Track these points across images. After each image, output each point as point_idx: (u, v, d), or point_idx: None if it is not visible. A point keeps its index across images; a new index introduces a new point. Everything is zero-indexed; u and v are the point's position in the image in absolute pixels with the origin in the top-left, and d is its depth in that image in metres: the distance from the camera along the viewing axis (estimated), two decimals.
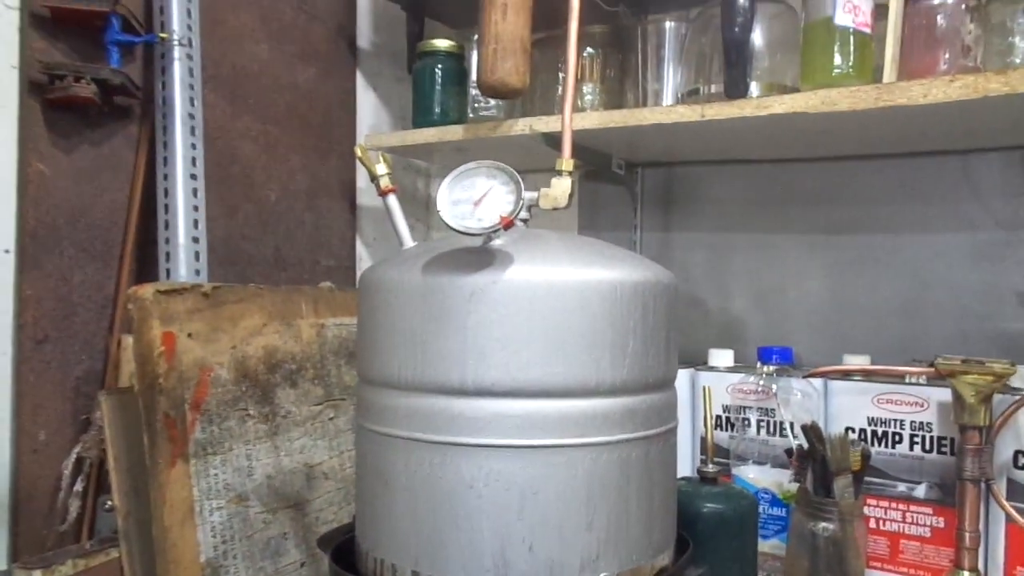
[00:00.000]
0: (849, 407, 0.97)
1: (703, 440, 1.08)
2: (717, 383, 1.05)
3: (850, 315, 1.15)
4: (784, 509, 0.97)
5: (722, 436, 1.06)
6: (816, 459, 0.87)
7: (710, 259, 1.26)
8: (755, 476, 1.01)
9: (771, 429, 1.02)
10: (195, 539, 0.85)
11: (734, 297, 1.24)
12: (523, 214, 0.69)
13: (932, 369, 0.86)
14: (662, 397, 0.66)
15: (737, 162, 1.23)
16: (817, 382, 1.00)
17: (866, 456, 0.87)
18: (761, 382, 1.03)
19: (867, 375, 0.97)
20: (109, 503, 0.92)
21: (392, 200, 0.75)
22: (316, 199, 1.28)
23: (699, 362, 1.12)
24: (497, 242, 0.62)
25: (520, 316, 0.59)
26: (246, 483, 0.93)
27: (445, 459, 0.60)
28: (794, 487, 0.93)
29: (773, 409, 1.02)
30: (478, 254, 0.61)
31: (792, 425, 0.96)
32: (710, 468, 0.84)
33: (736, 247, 1.24)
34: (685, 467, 1.05)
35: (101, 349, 0.96)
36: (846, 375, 1.00)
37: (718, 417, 1.06)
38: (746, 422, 1.04)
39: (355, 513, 0.71)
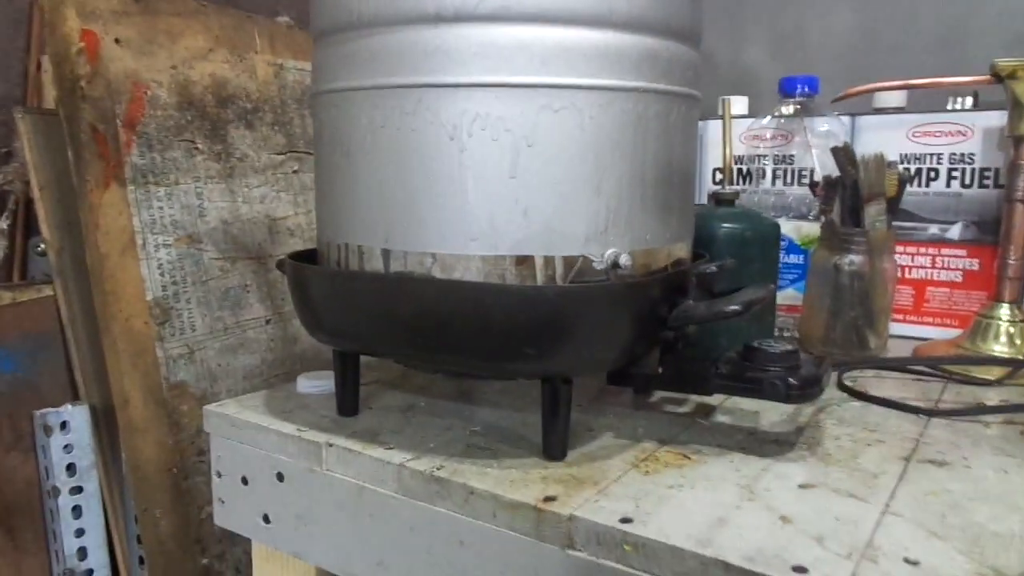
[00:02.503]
0: (880, 144, 0.85)
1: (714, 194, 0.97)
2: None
3: (883, 53, 1.02)
4: (802, 256, 0.87)
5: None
6: (846, 185, 0.76)
7: (720, 3, 1.11)
8: None
9: (788, 178, 0.91)
10: (138, 273, 0.75)
11: (748, 46, 1.10)
12: None
13: (987, 77, 0.74)
14: (687, 52, 0.53)
15: None
16: (845, 118, 0.88)
17: (902, 181, 0.77)
18: (781, 122, 0.91)
19: (907, 90, 0.85)
20: (42, 246, 0.80)
21: None
22: None
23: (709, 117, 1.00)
24: None
25: None
26: (197, 224, 0.82)
27: (420, 106, 0.48)
28: (815, 230, 0.83)
29: (791, 155, 0.91)
30: None
31: (816, 156, 0.85)
32: (727, 190, 0.73)
33: None
34: None
35: (19, 73, 0.83)
36: (880, 110, 0.88)
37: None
38: (761, 172, 0.93)
39: (315, 215, 0.60)
